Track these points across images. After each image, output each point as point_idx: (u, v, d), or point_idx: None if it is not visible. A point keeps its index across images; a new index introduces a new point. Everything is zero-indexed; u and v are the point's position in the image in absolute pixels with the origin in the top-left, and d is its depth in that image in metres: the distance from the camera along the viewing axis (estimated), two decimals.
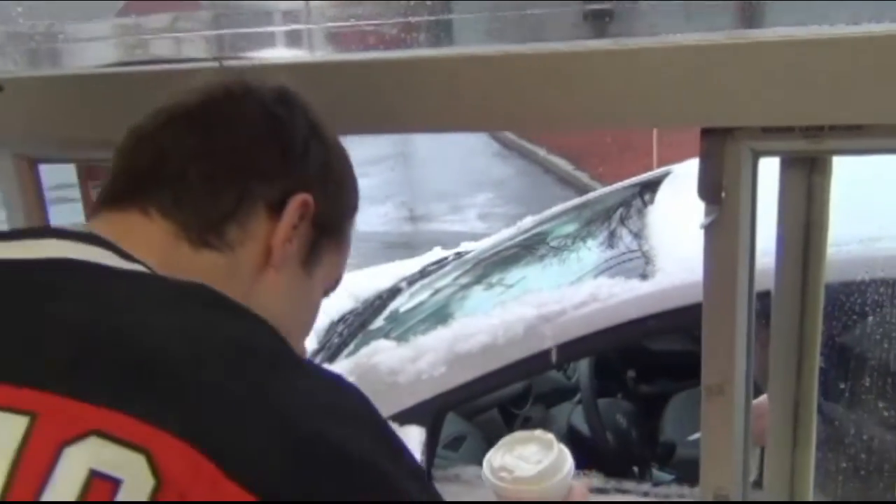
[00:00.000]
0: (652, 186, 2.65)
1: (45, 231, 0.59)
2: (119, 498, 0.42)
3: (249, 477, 0.43)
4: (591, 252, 2.44)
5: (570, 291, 1.93)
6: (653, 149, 7.66)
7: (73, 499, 0.42)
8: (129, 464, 0.42)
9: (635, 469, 2.18)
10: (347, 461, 0.47)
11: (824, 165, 0.93)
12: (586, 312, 1.86)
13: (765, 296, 0.99)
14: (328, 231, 0.74)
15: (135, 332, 0.48)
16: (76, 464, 0.42)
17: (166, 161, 0.67)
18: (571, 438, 2.21)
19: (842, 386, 1.22)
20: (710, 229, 0.94)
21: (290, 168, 0.70)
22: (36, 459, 0.42)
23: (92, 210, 0.67)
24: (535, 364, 1.93)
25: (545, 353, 1.89)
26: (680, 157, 3.16)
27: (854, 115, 0.83)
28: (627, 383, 2.52)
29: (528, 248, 2.80)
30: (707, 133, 0.90)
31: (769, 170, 0.94)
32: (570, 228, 2.79)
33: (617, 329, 1.83)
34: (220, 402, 0.45)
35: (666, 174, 2.73)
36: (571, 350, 1.89)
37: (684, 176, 2.64)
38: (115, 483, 0.42)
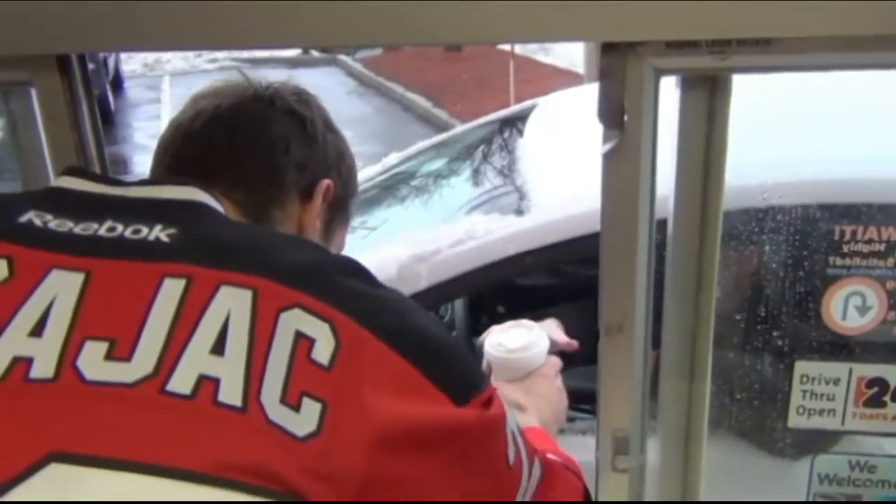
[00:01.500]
0: (519, 120, 2.59)
1: (184, 181, 0.72)
2: (315, 351, 0.59)
3: (393, 340, 0.62)
4: (463, 188, 2.37)
5: (445, 230, 1.84)
6: (510, 86, 7.67)
7: (289, 348, 0.59)
8: (319, 328, 0.60)
9: None
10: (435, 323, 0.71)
11: (725, 85, 0.88)
12: (462, 250, 1.79)
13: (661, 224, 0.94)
14: (340, 210, 0.88)
15: (291, 249, 0.68)
16: (289, 324, 0.60)
17: (218, 153, 0.79)
18: None
19: (738, 318, 1.21)
20: (609, 156, 0.87)
21: (315, 158, 0.84)
22: (265, 319, 0.59)
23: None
24: None
25: (420, 294, 1.81)
26: (536, 94, 3.12)
27: (762, 28, 0.78)
28: (499, 319, 2.49)
29: (392, 188, 2.69)
30: (608, 49, 0.83)
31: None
32: (437, 166, 2.70)
33: (494, 266, 1.77)
34: (364, 296, 0.64)
35: (532, 107, 2.68)
36: (448, 289, 1.82)
37: (552, 109, 2.60)
38: (312, 341, 0.60)
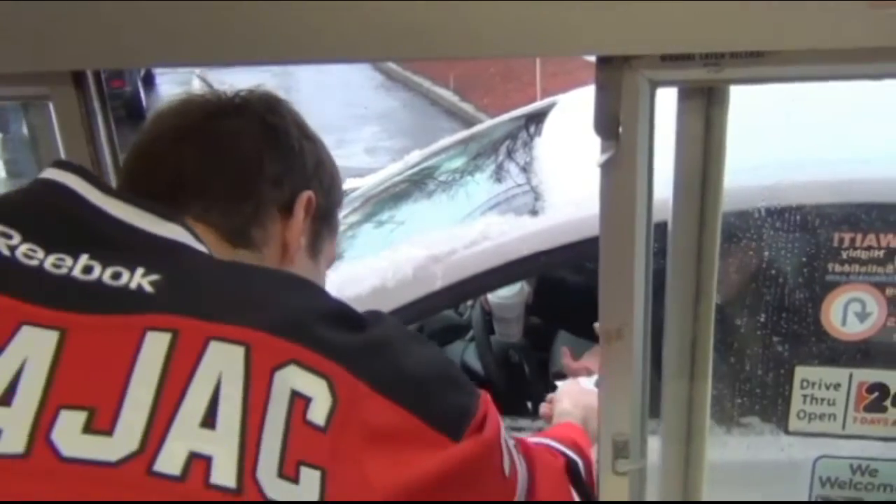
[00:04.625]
0: (538, 118, 2.60)
1: (170, 216, 0.68)
2: (311, 411, 0.57)
3: (389, 389, 0.61)
4: (481, 187, 2.39)
5: (460, 230, 1.87)
6: (536, 79, 7.66)
7: (284, 412, 0.56)
8: (316, 385, 0.57)
9: (529, 404, 2.18)
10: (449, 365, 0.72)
11: (722, 95, 0.89)
12: (477, 251, 1.81)
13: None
14: (326, 220, 0.83)
15: (283, 296, 0.64)
16: (284, 384, 0.56)
17: (184, 179, 0.73)
18: (466, 372, 2.18)
19: (738, 322, 1.22)
20: (606, 166, 0.88)
21: (292, 170, 0.78)
22: (259, 381, 0.56)
23: None
24: (426, 305, 1.87)
25: (436, 294, 1.84)
26: (563, 87, 3.13)
27: (754, 42, 0.79)
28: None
29: (416, 184, 2.72)
30: (603, 63, 0.84)
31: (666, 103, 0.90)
32: (459, 162, 2.72)
33: (508, 266, 1.79)
34: (357, 345, 0.62)
35: (552, 105, 2.68)
36: (463, 289, 1.84)
37: (570, 107, 2.60)
38: (307, 400, 0.57)
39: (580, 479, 0.98)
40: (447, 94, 9.51)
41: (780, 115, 1.12)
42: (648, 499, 1.07)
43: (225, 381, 0.55)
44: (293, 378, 0.57)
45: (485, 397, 0.72)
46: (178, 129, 0.76)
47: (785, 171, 1.25)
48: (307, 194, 0.78)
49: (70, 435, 0.52)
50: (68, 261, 0.60)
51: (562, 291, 2.21)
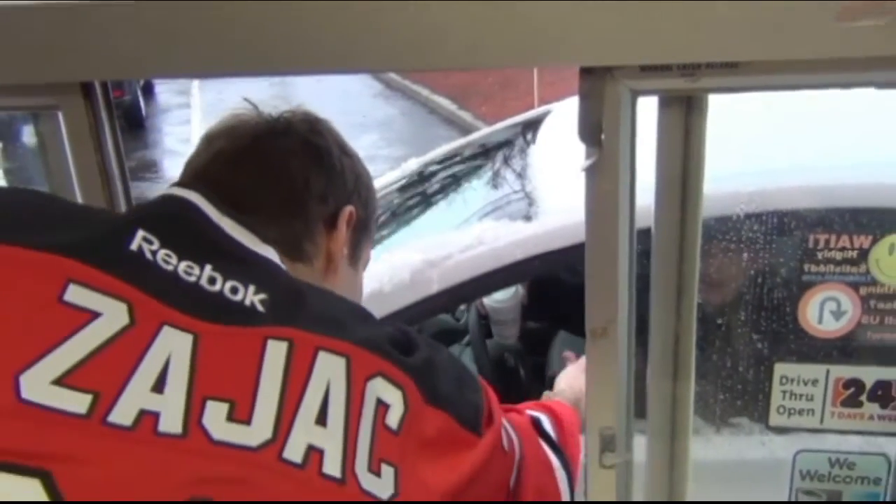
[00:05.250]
0: (533, 126, 2.64)
1: (264, 236, 0.77)
2: (388, 416, 0.67)
3: (439, 400, 0.72)
4: (477, 193, 2.43)
5: (456, 236, 1.91)
6: (534, 88, 7.70)
7: (372, 416, 0.66)
8: (394, 395, 0.68)
9: None
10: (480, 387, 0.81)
11: (700, 104, 0.93)
12: (472, 255, 1.85)
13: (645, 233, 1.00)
14: (365, 230, 0.91)
15: (361, 318, 0.75)
16: (373, 393, 0.67)
17: (244, 195, 0.79)
18: None
19: (719, 321, 1.26)
20: (590, 171, 0.93)
21: (335, 186, 0.85)
22: (357, 389, 0.66)
23: None
24: (422, 309, 1.91)
25: (432, 298, 1.87)
26: (560, 96, 3.17)
27: (728, 53, 0.83)
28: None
29: (413, 191, 2.76)
30: (586, 73, 0.88)
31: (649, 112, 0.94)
32: (455, 170, 2.76)
33: (502, 271, 1.83)
34: (419, 362, 0.72)
35: (546, 113, 2.73)
36: (459, 293, 1.88)
37: (564, 115, 2.65)
38: (387, 406, 0.67)
39: (544, 432, 1.05)
40: (446, 103, 9.56)
41: (760, 126, 1.16)
42: (635, 497, 1.11)
43: (333, 386, 0.65)
44: (379, 387, 0.67)
45: (486, 387, 0.81)
46: (231, 151, 0.82)
47: (765, 177, 1.30)
48: (349, 209, 0.85)
49: (217, 422, 0.61)
50: (196, 269, 0.68)
51: (556, 292, 2.25)
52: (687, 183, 0.97)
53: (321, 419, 0.63)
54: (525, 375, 2.31)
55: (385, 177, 3.16)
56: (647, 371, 1.08)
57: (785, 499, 1.16)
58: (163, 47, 0.89)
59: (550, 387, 2.22)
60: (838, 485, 1.12)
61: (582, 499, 1.09)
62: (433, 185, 2.70)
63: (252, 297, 0.68)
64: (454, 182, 2.62)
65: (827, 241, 1.07)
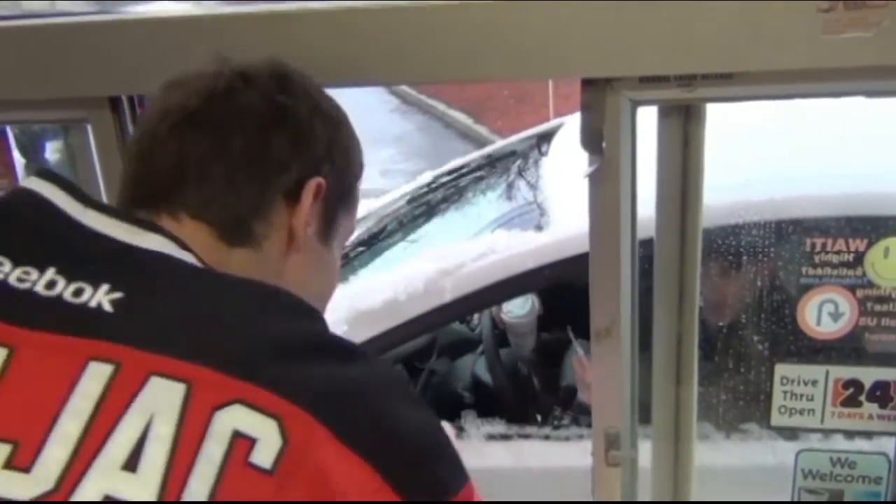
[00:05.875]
0: (546, 138, 2.69)
1: (151, 226, 0.65)
2: (255, 453, 0.53)
3: (355, 438, 0.56)
4: (491, 205, 2.47)
5: (469, 245, 1.95)
6: (549, 101, 7.74)
7: (221, 454, 0.53)
8: (264, 426, 0.54)
9: (538, 416, 2.24)
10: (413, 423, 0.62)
11: (698, 113, 0.97)
12: (484, 264, 1.89)
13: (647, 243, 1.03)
14: (342, 200, 0.77)
15: (251, 323, 0.60)
16: (225, 425, 0.53)
17: (185, 165, 0.69)
18: (476, 388, 2.25)
19: (720, 324, 1.29)
20: (593, 178, 0.97)
21: (300, 153, 0.72)
22: (196, 421, 0.53)
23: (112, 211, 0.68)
24: (436, 317, 1.95)
25: (446, 307, 1.91)
26: (575, 109, 3.20)
27: (723, 64, 0.87)
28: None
29: (428, 203, 2.81)
30: (587, 84, 0.93)
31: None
32: (469, 182, 2.81)
33: (515, 279, 1.87)
34: (329, 382, 0.58)
35: (559, 126, 2.77)
36: (472, 302, 1.92)
37: (576, 127, 2.69)
38: (252, 441, 0.53)
39: None
40: (462, 117, 9.62)
41: (761, 138, 1.20)
42: (640, 499, 1.14)
43: (157, 419, 0.53)
44: (237, 418, 0.54)
45: (472, 486, 0.64)
46: (181, 110, 0.70)
47: (768, 188, 1.33)
48: (315, 181, 0.72)
49: None
50: (34, 275, 0.59)
51: (570, 299, 2.28)
52: (687, 188, 1.00)
53: (131, 463, 0.51)
54: (538, 384, 2.34)
55: (400, 189, 3.21)
56: (653, 376, 1.11)
57: (789, 498, 1.19)
58: (187, 64, 0.94)
59: (566, 398, 2.25)
60: (840, 484, 1.14)
61: (588, 499, 1.13)
62: (447, 197, 2.75)
63: (102, 297, 0.58)
64: (467, 193, 2.67)
65: (824, 245, 1.10)
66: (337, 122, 0.77)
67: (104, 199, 1.06)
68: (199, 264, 0.64)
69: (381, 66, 0.90)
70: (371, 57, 0.90)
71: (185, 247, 0.64)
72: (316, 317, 0.66)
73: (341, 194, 0.77)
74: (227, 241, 0.69)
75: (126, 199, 0.71)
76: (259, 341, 0.58)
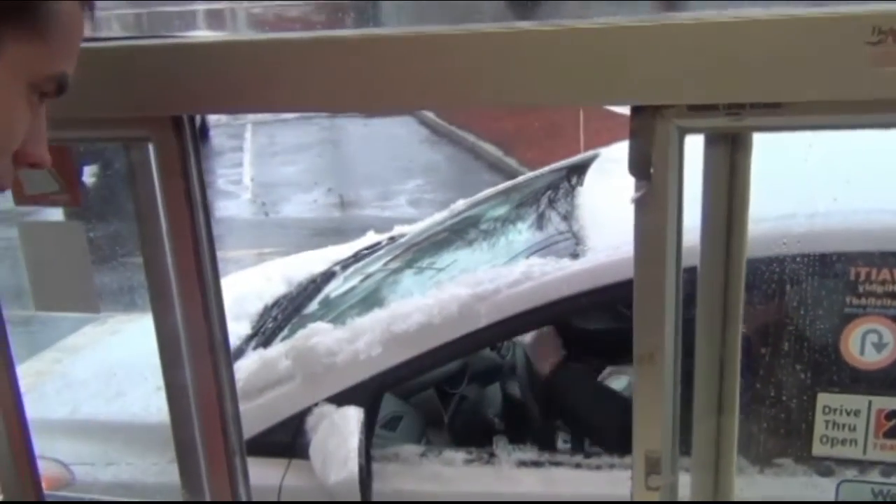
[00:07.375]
0: (581, 169, 2.71)
1: None
2: None
3: None
4: (523, 234, 2.49)
5: (504, 271, 1.97)
6: (580, 135, 7.77)
7: None
8: None
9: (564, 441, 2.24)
10: None
11: (746, 142, 0.99)
12: (520, 291, 1.91)
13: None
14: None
15: None
16: None
17: None
18: (507, 414, 2.26)
19: (763, 351, 1.29)
20: (639, 204, 0.98)
21: None
22: None
23: None
24: (469, 343, 1.97)
25: (480, 332, 1.93)
26: (604, 143, 3.24)
27: (772, 94, 0.89)
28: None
29: (459, 232, 2.83)
30: (637, 111, 0.95)
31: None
32: (502, 211, 2.83)
33: (549, 306, 1.88)
34: None
35: (594, 157, 2.80)
36: (506, 328, 1.94)
37: (611, 159, 2.71)
38: None
39: None
40: (491, 149, 9.69)
41: (806, 171, 1.21)
42: None
43: None
44: None
45: None
46: None
47: (812, 220, 1.34)
48: None
49: None
50: None
51: (603, 329, 2.30)
52: (732, 216, 1.02)
53: None
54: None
55: (432, 217, 3.24)
56: (694, 406, 1.11)
57: None
58: (246, 85, 0.98)
59: (587, 425, 2.25)
60: None
61: None
62: (481, 226, 2.77)
63: None
64: (502, 223, 2.69)
65: (868, 275, 1.11)
66: None
67: (162, 217, 1.10)
68: None
69: (436, 92, 0.93)
70: (426, 83, 0.93)
71: None
72: None
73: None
74: None
75: None
76: None
